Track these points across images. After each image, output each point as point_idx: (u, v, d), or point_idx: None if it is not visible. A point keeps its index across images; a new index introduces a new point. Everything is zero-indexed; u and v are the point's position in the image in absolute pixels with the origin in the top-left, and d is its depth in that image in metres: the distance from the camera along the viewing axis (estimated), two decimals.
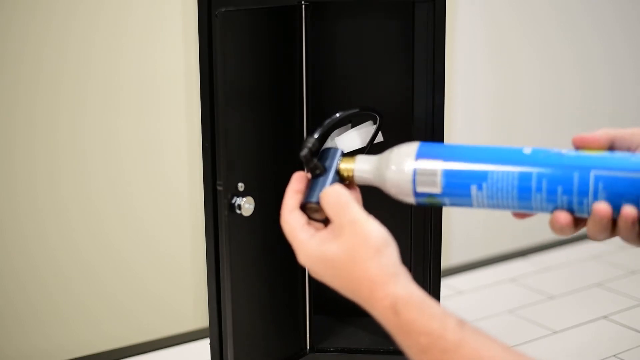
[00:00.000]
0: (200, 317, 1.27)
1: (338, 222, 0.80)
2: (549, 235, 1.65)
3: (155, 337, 1.24)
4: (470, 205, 0.83)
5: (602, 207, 0.77)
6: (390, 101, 1.00)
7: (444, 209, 1.00)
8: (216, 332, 0.98)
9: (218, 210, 0.93)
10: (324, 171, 0.86)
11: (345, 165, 0.87)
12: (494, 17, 1.54)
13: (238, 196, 0.90)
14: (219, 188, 0.90)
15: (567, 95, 1.68)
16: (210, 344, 0.99)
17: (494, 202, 0.83)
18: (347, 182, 0.87)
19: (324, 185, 0.85)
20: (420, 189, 0.82)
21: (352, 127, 0.99)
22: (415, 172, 0.82)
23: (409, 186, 0.83)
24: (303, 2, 0.98)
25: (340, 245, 0.79)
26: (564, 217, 0.79)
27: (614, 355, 1.16)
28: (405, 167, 0.82)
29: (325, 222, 0.85)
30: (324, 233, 0.81)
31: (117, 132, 1.18)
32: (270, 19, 0.95)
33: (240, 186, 0.91)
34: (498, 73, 1.57)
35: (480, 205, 0.83)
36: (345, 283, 0.79)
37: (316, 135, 0.86)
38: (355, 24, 1.04)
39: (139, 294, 1.23)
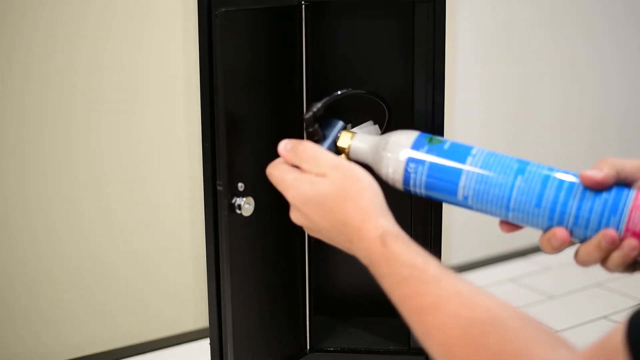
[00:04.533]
0: (200, 317, 1.27)
1: (317, 170, 0.84)
2: None
3: (155, 337, 1.24)
4: (456, 203, 0.85)
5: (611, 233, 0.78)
6: (389, 101, 1.00)
7: (445, 209, 1.00)
8: (216, 332, 0.98)
9: (218, 210, 0.93)
10: (322, 139, 0.90)
11: (344, 139, 0.90)
12: (494, 17, 1.54)
13: (238, 196, 0.90)
14: (219, 188, 0.90)
15: (568, 93, 1.68)
16: (210, 344, 0.99)
17: (480, 206, 0.84)
18: (342, 154, 0.90)
19: None
20: (409, 179, 0.85)
21: (352, 127, 1.00)
22: (407, 161, 0.84)
23: (401, 173, 0.85)
24: (303, 2, 0.98)
25: (331, 182, 0.83)
26: (561, 232, 0.81)
27: None
28: (399, 156, 0.85)
29: None
30: (311, 175, 0.84)
31: (116, 133, 1.18)
32: (270, 19, 0.95)
33: (240, 186, 0.91)
34: (498, 73, 1.57)
35: (466, 206, 0.84)
36: (336, 217, 0.81)
37: (322, 101, 0.90)
38: (355, 24, 1.04)
39: (138, 294, 1.23)
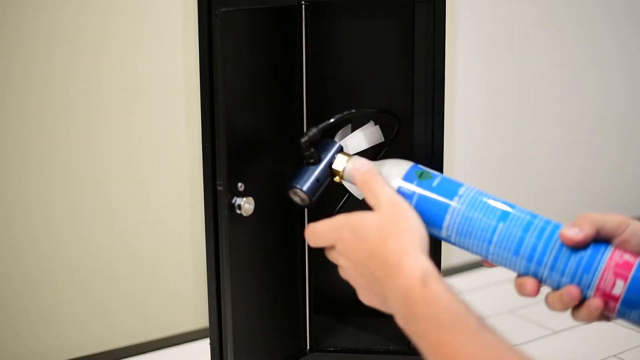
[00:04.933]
0: (200, 317, 1.27)
1: (374, 200, 0.83)
2: None
3: (155, 337, 1.24)
4: (439, 237, 0.87)
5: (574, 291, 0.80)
6: (390, 101, 1.00)
7: None
8: (216, 332, 0.98)
9: (218, 210, 0.93)
10: (317, 161, 0.92)
11: (339, 162, 0.92)
12: (494, 17, 1.54)
13: (238, 196, 0.90)
14: (219, 188, 0.90)
15: (565, 94, 1.68)
16: (210, 344, 0.99)
17: (462, 245, 0.87)
18: (335, 177, 0.92)
19: (312, 175, 0.92)
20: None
21: (353, 129, 1.00)
22: (399, 188, 0.87)
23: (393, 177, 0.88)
24: (303, 2, 0.98)
25: (380, 216, 0.81)
26: (531, 284, 0.82)
27: (614, 355, 1.16)
28: (394, 173, 0.88)
29: (307, 207, 0.92)
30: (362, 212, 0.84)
31: (116, 133, 1.18)
32: (270, 19, 0.95)
33: (240, 186, 0.91)
34: (498, 73, 1.57)
35: (449, 242, 0.87)
36: (375, 251, 0.79)
37: (319, 127, 0.92)
38: (355, 24, 1.04)
39: (138, 294, 1.23)
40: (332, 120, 0.93)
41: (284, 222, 1.01)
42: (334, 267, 1.10)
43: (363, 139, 0.98)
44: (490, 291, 1.39)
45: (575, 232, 0.80)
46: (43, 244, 1.16)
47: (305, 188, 0.92)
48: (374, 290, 0.81)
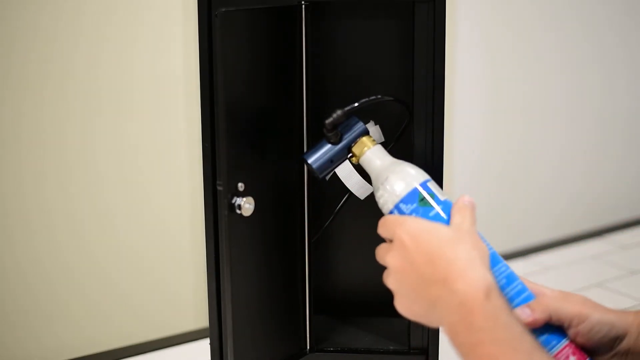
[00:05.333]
0: (200, 317, 1.27)
1: (456, 222, 0.82)
2: (549, 235, 1.66)
3: (155, 337, 1.24)
4: None
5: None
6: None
7: None
8: (216, 332, 0.98)
9: (218, 210, 0.93)
10: (338, 142, 0.93)
11: (361, 145, 0.92)
12: (495, 17, 1.54)
13: (238, 196, 0.90)
14: (219, 188, 0.90)
15: (566, 94, 1.68)
16: (210, 344, 0.99)
17: None
18: (352, 158, 0.94)
19: (327, 154, 0.93)
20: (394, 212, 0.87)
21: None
22: (395, 206, 0.86)
23: (387, 209, 0.87)
24: (303, 2, 0.98)
25: (452, 227, 0.81)
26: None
27: None
28: (390, 199, 0.86)
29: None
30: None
31: (116, 133, 1.18)
32: (270, 19, 0.95)
33: (240, 186, 0.91)
34: (498, 73, 1.57)
35: None
36: (442, 252, 0.77)
37: (344, 110, 0.92)
38: (355, 24, 1.04)
39: (138, 294, 1.23)
40: (356, 104, 0.93)
41: (284, 222, 1.01)
42: (334, 267, 1.10)
43: None
44: None
45: (526, 314, 0.81)
46: (42, 245, 1.16)
47: (315, 165, 0.94)
48: (421, 294, 0.78)
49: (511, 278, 0.84)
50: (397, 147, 1.00)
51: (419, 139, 0.98)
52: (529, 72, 1.61)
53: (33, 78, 1.11)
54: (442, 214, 0.84)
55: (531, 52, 1.60)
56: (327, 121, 0.92)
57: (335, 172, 0.98)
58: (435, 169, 0.98)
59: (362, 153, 0.92)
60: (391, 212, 0.86)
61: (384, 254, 0.82)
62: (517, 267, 1.50)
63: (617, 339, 0.82)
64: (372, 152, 0.92)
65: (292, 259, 1.03)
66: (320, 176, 0.95)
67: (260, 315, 0.99)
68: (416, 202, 0.85)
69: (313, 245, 1.04)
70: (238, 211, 0.90)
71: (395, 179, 0.87)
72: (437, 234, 0.79)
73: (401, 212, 0.85)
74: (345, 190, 1.00)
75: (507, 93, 1.59)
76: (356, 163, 0.94)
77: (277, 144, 0.99)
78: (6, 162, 1.11)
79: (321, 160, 0.94)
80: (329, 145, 0.94)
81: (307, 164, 0.94)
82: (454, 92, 1.49)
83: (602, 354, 0.83)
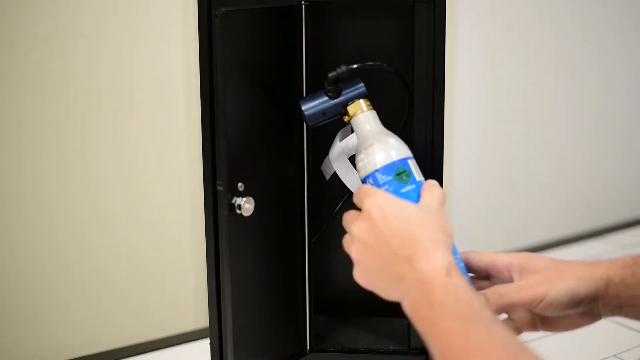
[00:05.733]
0: (200, 317, 1.27)
1: (425, 201, 0.85)
2: (549, 235, 1.66)
3: (155, 337, 1.24)
4: None
5: None
6: (389, 102, 1.00)
7: (445, 209, 1.01)
8: (216, 332, 0.98)
9: (218, 210, 0.93)
10: (336, 97, 0.93)
11: (356, 107, 0.93)
12: (495, 17, 1.54)
13: (238, 196, 0.90)
14: (219, 188, 0.90)
15: (566, 94, 1.68)
16: (210, 344, 0.99)
17: None
18: (345, 117, 0.94)
19: (321, 105, 0.94)
20: (368, 181, 0.89)
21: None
22: (371, 174, 0.88)
23: (362, 175, 0.90)
24: (303, 2, 0.98)
25: (420, 205, 0.84)
26: None
27: (614, 355, 1.16)
28: (368, 166, 0.89)
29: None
30: None
31: (116, 133, 1.18)
32: (270, 19, 0.95)
33: (240, 186, 0.91)
34: (498, 73, 1.57)
35: None
36: (410, 229, 0.79)
37: (349, 67, 0.92)
38: (355, 24, 1.04)
39: (139, 294, 1.23)
40: (360, 65, 0.94)
41: (284, 222, 1.01)
42: (334, 267, 1.10)
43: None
44: None
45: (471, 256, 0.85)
46: (42, 245, 1.16)
47: (308, 113, 0.94)
48: (384, 269, 0.80)
49: (464, 270, 0.87)
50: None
51: (419, 138, 0.98)
52: (529, 72, 1.61)
53: (33, 78, 1.11)
54: (414, 193, 0.87)
55: (531, 52, 1.60)
56: (331, 74, 0.92)
57: (335, 171, 0.99)
58: (435, 169, 0.98)
59: (355, 114, 0.93)
60: (366, 178, 0.89)
61: (351, 222, 0.83)
62: None
63: (584, 300, 0.83)
64: (365, 115, 0.93)
65: (292, 259, 1.03)
66: (311, 124, 0.95)
67: (260, 315, 0.99)
68: (392, 175, 0.88)
69: (313, 245, 1.04)
70: (238, 211, 0.90)
71: (378, 148, 0.89)
72: (406, 212, 0.81)
73: (375, 181, 0.88)
74: (345, 190, 1.00)
75: (507, 93, 1.59)
76: (347, 122, 0.94)
77: (277, 144, 0.99)
78: (6, 162, 1.11)
79: (315, 109, 0.94)
80: (325, 98, 0.94)
81: (301, 110, 0.94)
82: (454, 92, 1.49)
83: (571, 316, 0.86)
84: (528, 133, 1.63)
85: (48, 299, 1.17)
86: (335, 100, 0.94)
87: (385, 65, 0.97)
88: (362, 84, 0.94)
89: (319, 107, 0.94)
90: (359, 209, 0.84)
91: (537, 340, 1.20)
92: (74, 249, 1.18)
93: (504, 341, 0.71)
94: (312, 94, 0.95)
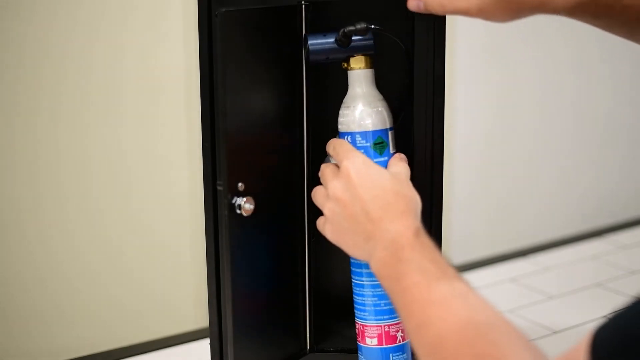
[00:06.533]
0: (200, 317, 1.27)
1: (395, 171, 0.90)
2: (549, 235, 1.66)
3: (155, 337, 1.24)
4: None
5: None
6: (389, 102, 1.00)
7: (445, 209, 1.01)
8: (216, 332, 0.98)
9: (218, 210, 0.93)
10: (343, 46, 0.94)
11: (359, 62, 0.95)
12: None
13: (238, 196, 0.90)
14: (219, 188, 0.90)
15: (567, 97, 1.68)
16: (210, 344, 0.99)
17: None
18: (344, 64, 0.95)
19: (328, 46, 0.95)
20: (346, 138, 0.94)
21: None
22: (351, 134, 0.93)
23: (346, 129, 0.94)
24: (303, 2, 0.98)
25: (391, 171, 0.89)
26: None
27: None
28: (350, 126, 0.93)
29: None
30: None
31: (117, 133, 1.18)
32: (270, 19, 0.95)
33: (240, 186, 0.91)
34: (499, 73, 1.57)
35: None
36: (386, 192, 0.85)
37: (370, 26, 0.94)
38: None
39: (139, 294, 1.23)
40: (373, 26, 0.95)
41: (284, 222, 1.01)
42: (334, 267, 1.10)
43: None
44: (490, 291, 1.39)
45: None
46: (37, 246, 1.16)
47: (312, 49, 0.95)
48: (355, 228, 0.85)
49: None
50: (398, 148, 0.99)
51: (420, 138, 0.98)
52: (530, 72, 1.61)
53: (27, 79, 1.11)
54: (384, 165, 0.92)
55: (535, 51, 1.60)
56: (347, 29, 0.93)
57: None
58: (435, 169, 0.97)
59: (355, 67, 0.95)
60: (344, 134, 0.94)
61: (329, 179, 0.89)
62: (517, 267, 1.50)
63: None
64: (364, 72, 0.95)
65: (292, 259, 1.03)
66: (310, 59, 0.96)
67: (260, 315, 0.99)
68: (370, 143, 0.93)
69: (313, 245, 1.04)
70: (238, 211, 0.90)
71: (366, 112, 0.93)
72: (382, 178, 0.86)
73: (353, 142, 0.93)
74: None
75: (507, 93, 1.59)
76: (344, 68, 0.96)
77: (277, 144, 0.99)
78: (2, 163, 1.11)
79: (319, 47, 0.95)
80: (333, 41, 0.95)
81: (306, 41, 0.95)
82: (454, 93, 1.49)
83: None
84: (529, 134, 1.63)
85: (43, 300, 1.17)
86: (342, 49, 0.95)
87: (397, 40, 0.98)
88: (372, 42, 0.96)
89: (324, 48, 0.95)
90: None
91: (537, 339, 1.20)
92: (72, 249, 1.18)
93: (465, 295, 0.75)
94: (322, 33, 0.96)
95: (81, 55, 1.14)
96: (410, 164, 0.95)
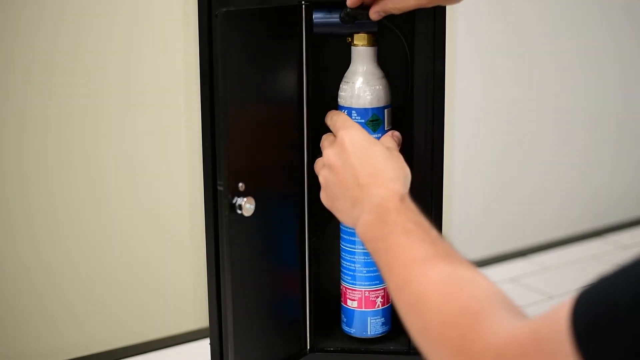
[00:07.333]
0: (200, 317, 1.27)
1: (387, 145, 0.93)
2: (549, 235, 1.66)
3: (155, 337, 1.24)
4: None
5: None
6: (390, 102, 1.00)
7: (445, 208, 1.01)
8: (216, 332, 0.98)
9: (218, 210, 0.93)
10: (347, 23, 0.96)
11: (362, 39, 0.97)
12: (494, 16, 1.54)
13: (238, 196, 0.90)
14: (219, 188, 0.89)
15: (568, 92, 1.68)
16: (210, 344, 0.99)
17: None
18: (348, 38, 0.98)
19: (332, 21, 0.98)
20: (343, 110, 0.97)
21: None
22: (348, 109, 0.96)
23: (344, 103, 0.97)
24: (303, 2, 0.98)
25: (386, 145, 0.92)
26: None
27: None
28: (348, 101, 0.96)
29: None
30: None
31: (116, 133, 1.18)
32: (270, 19, 0.95)
33: (241, 186, 0.91)
34: (498, 72, 1.57)
35: None
36: (376, 161, 0.88)
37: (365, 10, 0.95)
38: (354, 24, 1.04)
39: (139, 294, 1.23)
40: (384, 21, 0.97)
41: (284, 222, 1.01)
42: (334, 267, 1.10)
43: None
44: None
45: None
46: (45, 244, 1.16)
47: (315, 22, 0.97)
48: (345, 192, 0.88)
49: None
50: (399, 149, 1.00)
51: (419, 137, 0.98)
52: (529, 71, 1.61)
53: (36, 78, 1.11)
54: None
55: (531, 51, 1.60)
56: (350, 2, 0.94)
57: None
58: (435, 169, 0.98)
59: (358, 44, 0.97)
60: (342, 107, 0.97)
61: (326, 147, 0.92)
62: (517, 267, 1.50)
63: None
64: (366, 49, 0.97)
65: (292, 259, 1.03)
66: (314, 32, 0.98)
67: (260, 315, 0.99)
68: (365, 120, 0.96)
69: (313, 245, 1.04)
70: (239, 211, 0.90)
71: (365, 90, 0.96)
72: (375, 149, 0.90)
73: (349, 116, 0.96)
74: None
75: (506, 92, 1.59)
76: (347, 42, 0.98)
77: (277, 143, 0.99)
78: (10, 160, 1.11)
79: (323, 21, 0.98)
80: (338, 18, 0.97)
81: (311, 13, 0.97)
82: (454, 92, 1.49)
83: None
84: (527, 132, 1.63)
85: (50, 298, 1.17)
86: (346, 25, 0.97)
87: (397, 32, 1.00)
88: (375, 25, 0.97)
89: (328, 21, 0.98)
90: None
91: None
92: (76, 248, 1.18)
93: (448, 255, 0.77)
94: (330, 8, 0.98)
95: (82, 56, 1.14)
96: (410, 162, 0.95)
